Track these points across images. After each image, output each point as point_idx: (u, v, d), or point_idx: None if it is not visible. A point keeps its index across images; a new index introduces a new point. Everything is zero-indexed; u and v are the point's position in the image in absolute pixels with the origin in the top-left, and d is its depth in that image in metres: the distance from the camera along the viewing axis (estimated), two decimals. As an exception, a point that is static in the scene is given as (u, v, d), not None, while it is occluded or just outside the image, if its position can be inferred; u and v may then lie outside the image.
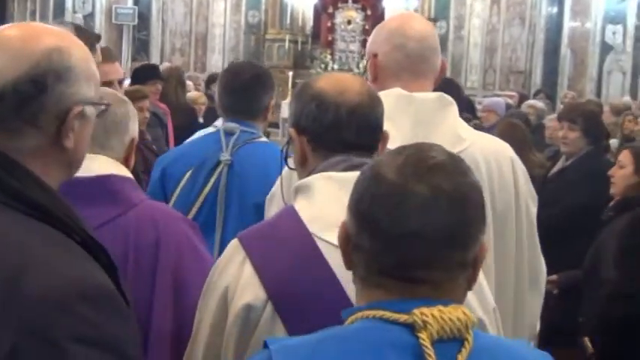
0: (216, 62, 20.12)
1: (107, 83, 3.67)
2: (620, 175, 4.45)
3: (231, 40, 20.17)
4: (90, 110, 1.63)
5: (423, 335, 1.42)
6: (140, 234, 2.32)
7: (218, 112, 3.73)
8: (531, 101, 9.51)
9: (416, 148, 1.55)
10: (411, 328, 1.44)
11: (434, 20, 19.57)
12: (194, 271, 2.31)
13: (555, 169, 5.48)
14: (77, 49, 1.62)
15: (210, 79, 10.46)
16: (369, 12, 19.63)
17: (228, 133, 3.46)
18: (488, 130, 8.02)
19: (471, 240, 1.50)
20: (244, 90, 3.49)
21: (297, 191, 2.04)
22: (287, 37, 19.58)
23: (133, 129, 2.51)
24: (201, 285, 2.03)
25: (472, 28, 20.11)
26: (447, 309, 1.45)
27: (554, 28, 17.41)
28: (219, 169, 3.41)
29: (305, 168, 2.10)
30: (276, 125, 15.09)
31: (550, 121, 8.13)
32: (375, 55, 2.69)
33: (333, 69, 19.08)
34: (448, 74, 20.32)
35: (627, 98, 12.99)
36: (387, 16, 19.64)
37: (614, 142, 7.65)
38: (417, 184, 1.47)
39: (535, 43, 17.94)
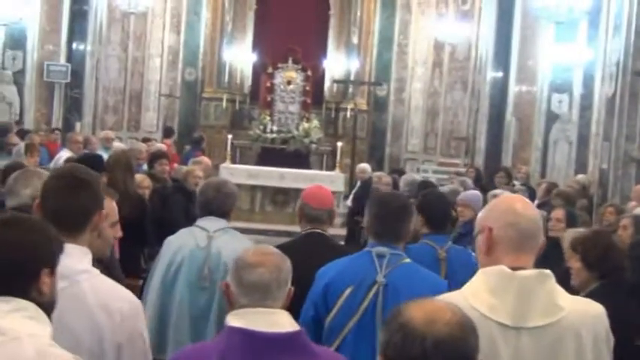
0: (151, 120, 19.44)
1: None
2: None
3: (167, 98, 19.48)
4: None
5: None
6: None
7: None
8: (497, 191, 8.72)
9: None
10: None
11: (376, 84, 19.28)
12: None
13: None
14: None
15: (155, 157, 9.63)
16: (309, 73, 19.21)
17: (380, 256, 4.03)
18: (463, 226, 7.50)
19: None
20: (394, 219, 4.11)
21: None
22: (224, 97, 19.02)
23: (290, 279, 2.97)
24: None
25: (413, 92, 19.87)
26: None
27: (499, 94, 17.12)
28: (374, 288, 3.98)
29: None
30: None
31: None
32: (491, 230, 2.84)
33: (272, 130, 18.57)
34: (389, 138, 20.15)
35: (581, 176, 12.65)
36: (327, 77, 19.38)
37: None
38: None
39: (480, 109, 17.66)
